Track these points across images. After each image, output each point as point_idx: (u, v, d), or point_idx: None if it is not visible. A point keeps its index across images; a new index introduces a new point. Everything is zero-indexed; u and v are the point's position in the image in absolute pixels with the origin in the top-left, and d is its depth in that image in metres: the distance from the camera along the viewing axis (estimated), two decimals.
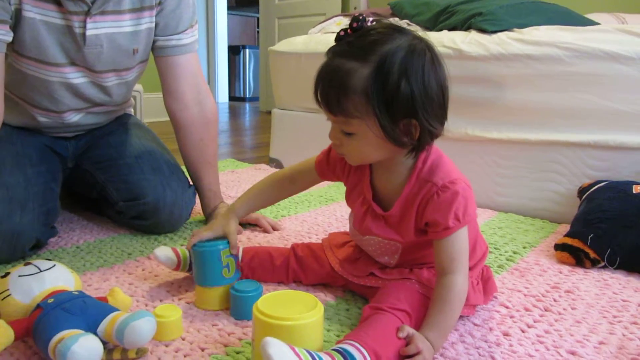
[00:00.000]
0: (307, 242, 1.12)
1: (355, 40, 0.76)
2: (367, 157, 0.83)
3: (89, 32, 1.18)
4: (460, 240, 0.81)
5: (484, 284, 0.96)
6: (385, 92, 0.74)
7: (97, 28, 1.19)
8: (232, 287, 0.93)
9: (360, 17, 0.77)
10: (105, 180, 1.37)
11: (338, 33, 0.79)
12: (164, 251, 1.01)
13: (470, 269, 0.90)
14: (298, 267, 1.04)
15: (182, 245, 1.29)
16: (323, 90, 0.78)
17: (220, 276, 0.94)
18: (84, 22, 1.17)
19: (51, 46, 1.18)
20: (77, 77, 1.25)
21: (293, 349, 0.66)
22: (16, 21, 1.12)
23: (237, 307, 0.92)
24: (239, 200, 1.05)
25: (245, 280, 0.95)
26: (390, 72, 0.73)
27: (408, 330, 0.76)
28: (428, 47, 0.77)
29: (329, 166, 0.97)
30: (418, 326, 0.80)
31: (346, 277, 0.98)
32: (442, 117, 0.79)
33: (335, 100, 0.76)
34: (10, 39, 1.11)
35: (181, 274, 1.08)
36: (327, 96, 0.77)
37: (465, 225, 0.81)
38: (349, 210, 0.98)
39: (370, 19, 0.79)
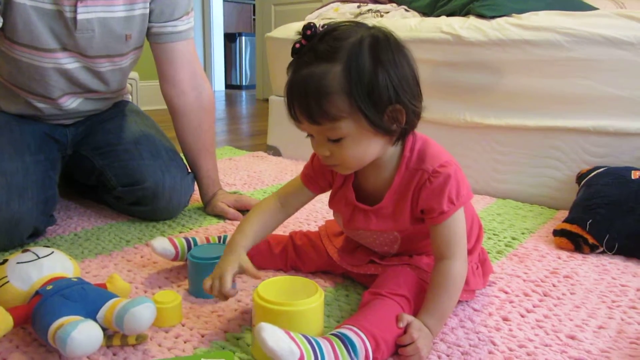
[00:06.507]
0: (306, 229, 1.12)
1: (315, 46, 0.74)
2: (361, 159, 0.80)
3: (79, 17, 1.17)
4: (456, 223, 0.81)
5: (481, 266, 0.96)
6: (364, 84, 0.72)
7: (89, 12, 1.18)
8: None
9: (311, 24, 0.75)
10: (104, 165, 1.36)
11: (293, 46, 0.76)
12: (161, 242, 1.00)
13: (470, 252, 0.90)
14: (296, 257, 1.04)
15: (180, 232, 1.29)
16: (301, 103, 0.74)
17: None
18: (75, 6, 1.16)
19: (43, 32, 1.16)
20: (70, 63, 1.24)
21: (288, 334, 0.66)
22: (6, 7, 1.11)
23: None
24: (234, 239, 0.90)
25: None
26: (363, 63, 0.72)
27: (407, 318, 0.76)
28: (388, 33, 0.76)
29: (315, 174, 0.92)
30: (417, 311, 0.80)
31: (345, 267, 0.98)
32: (419, 95, 0.78)
33: (317, 107, 0.73)
34: None
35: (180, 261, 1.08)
36: (307, 106, 0.73)
37: (460, 207, 0.81)
38: None
39: (320, 23, 0.76)
